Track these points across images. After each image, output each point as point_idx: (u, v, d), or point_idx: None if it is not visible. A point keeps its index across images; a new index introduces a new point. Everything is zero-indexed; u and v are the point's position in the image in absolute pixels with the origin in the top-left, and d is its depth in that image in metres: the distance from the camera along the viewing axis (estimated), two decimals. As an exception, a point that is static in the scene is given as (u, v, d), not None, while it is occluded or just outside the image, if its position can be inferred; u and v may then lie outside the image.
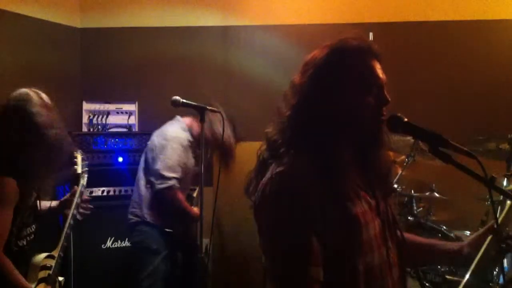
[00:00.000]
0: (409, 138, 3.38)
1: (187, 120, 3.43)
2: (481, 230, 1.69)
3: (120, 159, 3.89)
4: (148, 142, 3.44)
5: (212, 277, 4.13)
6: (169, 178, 3.23)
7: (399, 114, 1.45)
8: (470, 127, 3.90)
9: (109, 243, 3.76)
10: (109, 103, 4.17)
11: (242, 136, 3.47)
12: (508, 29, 4.21)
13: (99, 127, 4.10)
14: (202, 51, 4.42)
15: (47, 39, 4.14)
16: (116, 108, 4.18)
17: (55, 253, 2.55)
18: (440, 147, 1.42)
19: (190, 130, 3.39)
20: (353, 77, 1.39)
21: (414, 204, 3.64)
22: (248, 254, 3.97)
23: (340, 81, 1.39)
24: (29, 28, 3.97)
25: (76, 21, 4.45)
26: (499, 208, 2.53)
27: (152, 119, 3.91)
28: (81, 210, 2.66)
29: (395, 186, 3.59)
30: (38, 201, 2.46)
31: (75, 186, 2.66)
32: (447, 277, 3.10)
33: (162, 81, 4.36)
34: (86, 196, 2.74)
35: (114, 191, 3.84)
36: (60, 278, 2.59)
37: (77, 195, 2.64)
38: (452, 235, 3.34)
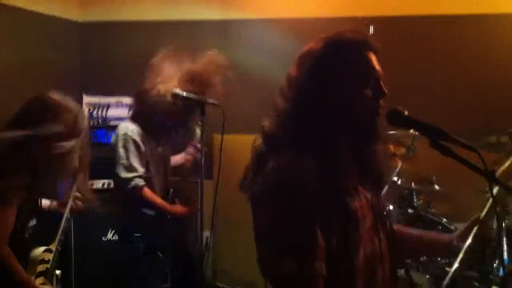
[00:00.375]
0: (410, 131, 3.38)
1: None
2: (467, 223, 1.73)
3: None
4: None
5: (212, 268, 4.14)
6: (130, 179, 3.11)
7: (399, 108, 1.45)
8: (470, 121, 3.90)
9: (109, 236, 3.77)
10: (109, 96, 4.16)
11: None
12: (509, 23, 4.20)
13: (99, 120, 4.09)
14: (202, 45, 4.41)
15: (47, 33, 4.14)
16: (116, 101, 4.18)
17: (53, 247, 2.56)
18: (441, 140, 1.42)
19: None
20: (350, 70, 1.39)
21: (414, 197, 3.65)
22: (250, 248, 3.97)
23: (336, 74, 1.38)
24: (29, 22, 3.97)
25: (75, 15, 4.45)
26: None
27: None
28: (78, 202, 2.66)
29: (395, 178, 3.60)
30: (39, 198, 2.48)
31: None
32: (447, 269, 3.11)
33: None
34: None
35: (115, 184, 3.83)
36: (58, 272, 2.61)
37: (74, 188, 2.63)
38: (452, 227, 3.34)
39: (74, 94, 4.06)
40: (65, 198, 2.63)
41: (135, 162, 3.13)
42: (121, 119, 4.09)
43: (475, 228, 1.71)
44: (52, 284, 2.51)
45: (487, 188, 1.60)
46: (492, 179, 1.49)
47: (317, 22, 4.18)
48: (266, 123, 1.43)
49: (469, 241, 1.70)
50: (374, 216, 1.44)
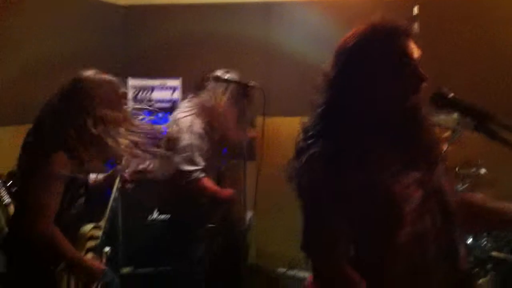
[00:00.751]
0: (455, 114, 3.30)
1: (197, 102, 3.34)
2: None
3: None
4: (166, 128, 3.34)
5: (255, 248, 4.19)
6: (192, 171, 3.19)
7: (444, 90, 1.43)
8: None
9: (155, 215, 3.86)
10: (154, 78, 4.22)
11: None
12: None
13: (144, 102, 4.16)
14: (245, 27, 4.42)
15: (91, 17, 4.22)
16: (161, 84, 4.24)
17: (102, 223, 2.63)
18: (487, 123, 1.40)
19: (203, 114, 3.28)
20: (385, 64, 1.39)
21: (460, 181, 3.57)
22: (291, 227, 3.99)
23: (371, 70, 1.39)
24: (73, 6, 4.05)
25: (120, -1, 4.52)
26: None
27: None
28: (125, 182, 2.75)
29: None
30: (87, 175, 2.55)
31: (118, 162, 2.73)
32: (493, 254, 3.06)
33: (206, 57, 4.38)
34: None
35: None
36: (107, 249, 2.67)
37: (121, 168, 2.70)
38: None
39: (119, 77, 4.20)
40: (113, 176, 2.72)
41: (197, 156, 3.21)
42: (165, 101, 4.18)
43: None
44: (101, 261, 2.59)
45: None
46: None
47: (360, 3, 4.11)
48: (305, 121, 1.51)
49: None
50: (425, 193, 1.43)
